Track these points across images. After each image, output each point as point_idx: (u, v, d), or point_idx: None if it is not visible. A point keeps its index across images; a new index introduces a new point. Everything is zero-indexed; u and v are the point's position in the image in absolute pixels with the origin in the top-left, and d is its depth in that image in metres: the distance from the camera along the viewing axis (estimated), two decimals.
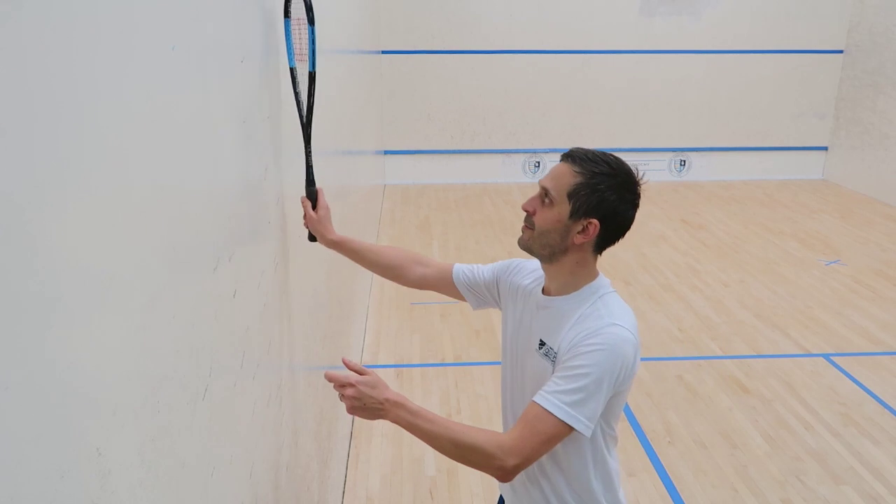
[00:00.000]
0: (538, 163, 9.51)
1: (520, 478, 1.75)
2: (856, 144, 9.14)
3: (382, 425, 3.96)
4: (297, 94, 1.91)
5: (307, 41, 1.81)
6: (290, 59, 1.87)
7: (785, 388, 4.38)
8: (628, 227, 1.67)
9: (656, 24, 9.10)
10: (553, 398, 1.50)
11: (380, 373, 4.95)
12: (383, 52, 8.88)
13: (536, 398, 1.53)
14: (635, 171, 1.63)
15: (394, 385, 4.40)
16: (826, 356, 4.82)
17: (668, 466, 3.62)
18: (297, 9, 1.85)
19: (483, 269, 1.99)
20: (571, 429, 1.51)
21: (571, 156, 1.62)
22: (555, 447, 1.60)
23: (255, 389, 1.57)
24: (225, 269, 1.34)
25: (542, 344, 1.67)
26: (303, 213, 2.05)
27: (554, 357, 1.62)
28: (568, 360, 1.54)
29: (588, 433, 1.52)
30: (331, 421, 3.01)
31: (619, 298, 1.67)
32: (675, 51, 9.18)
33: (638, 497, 3.41)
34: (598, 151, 1.63)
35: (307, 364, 2.38)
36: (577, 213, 1.59)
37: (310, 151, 1.97)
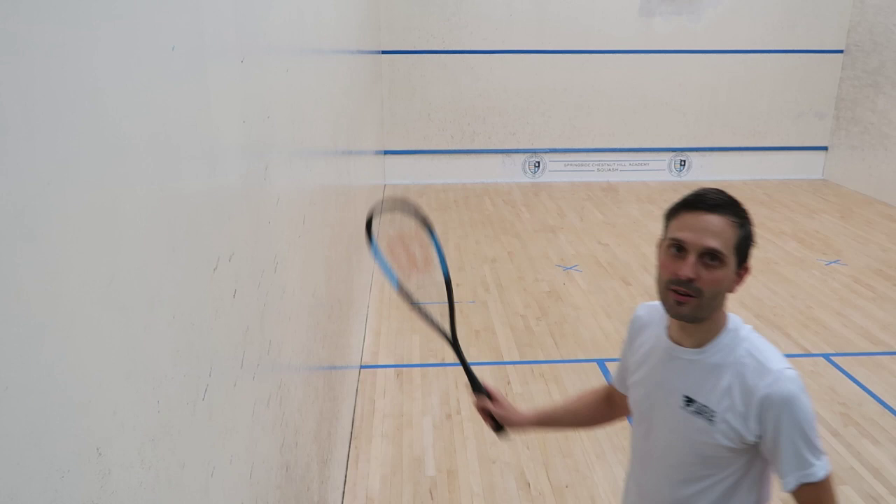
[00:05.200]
0: (538, 163, 9.51)
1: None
2: (856, 144, 9.14)
3: (382, 425, 3.96)
4: (418, 306, 1.87)
5: (434, 250, 1.82)
6: (393, 281, 1.88)
7: None
8: None
9: (656, 24, 9.09)
10: (807, 472, 1.50)
11: (379, 373, 4.94)
12: (383, 52, 8.88)
13: (794, 483, 1.51)
14: None
15: (394, 385, 4.40)
16: (826, 356, 4.82)
17: None
18: (397, 225, 1.85)
19: (622, 355, 1.88)
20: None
21: (718, 205, 1.53)
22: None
23: (255, 389, 1.57)
24: (225, 269, 1.34)
25: (689, 401, 1.60)
26: (484, 416, 1.92)
27: (711, 416, 1.56)
28: (775, 434, 1.51)
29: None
30: (331, 421, 3.01)
31: (757, 335, 1.60)
32: (675, 51, 9.18)
33: None
34: (719, 191, 1.56)
35: (307, 364, 2.38)
36: (740, 264, 1.54)
37: (464, 357, 1.93)
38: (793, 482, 1.50)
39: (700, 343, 1.58)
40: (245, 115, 1.51)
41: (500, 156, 9.50)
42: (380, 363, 4.68)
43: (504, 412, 1.90)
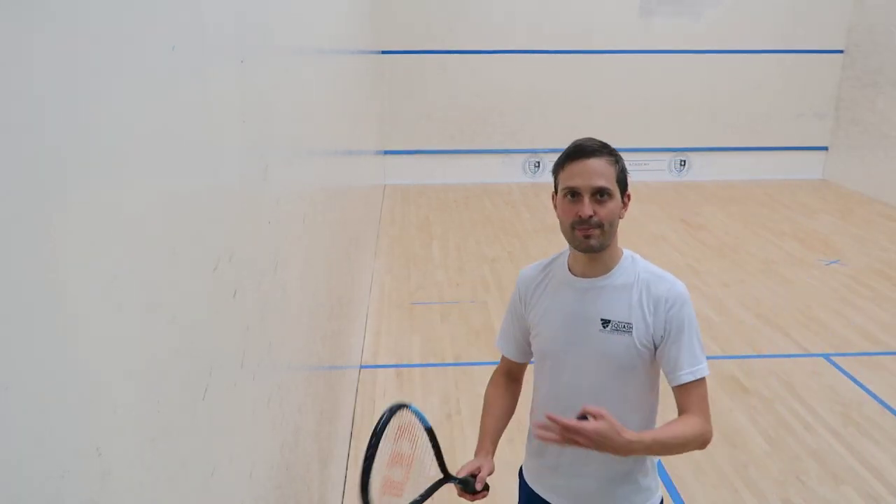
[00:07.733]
0: (538, 163, 9.51)
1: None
2: (856, 144, 9.14)
3: None
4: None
5: (414, 421, 1.86)
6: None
7: (785, 388, 4.38)
8: None
9: (656, 24, 9.10)
10: (699, 367, 1.75)
11: (379, 373, 4.89)
12: (383, 52, 8.88)
13: (689, 377, 1.75)
14: None
15: (394, 385, 4.40)
16: (826, 356, 4.82)
17: (668, 466, 3.62)
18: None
19: (510, 325, 2.02)
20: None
21: (594, 150, 1.76)
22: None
23: (255, 389, 1.57)
24: (225, 269, 1.34)
25: (606, 322, 1.80)
26: (470, 497, 1.89)
27: (629, 328, 1.77)
28: (678, 331, 1.77)
29: None
30: (331, 421, 3.01)
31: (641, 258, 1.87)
32: (675, 51, 9.18)
33: None
34: (591, 138, 1.81)
35: (307, 364, 2.38)
36: (622, 194, 1.78)
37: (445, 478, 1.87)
38: (687, 375, 1.75)
39: (605, 270, 1.81)
40: (245, 115, 1.51)
41: (500, 156, 9.50)
42: (380, 363, 4.68)
43: (481, 474, 1.88)
